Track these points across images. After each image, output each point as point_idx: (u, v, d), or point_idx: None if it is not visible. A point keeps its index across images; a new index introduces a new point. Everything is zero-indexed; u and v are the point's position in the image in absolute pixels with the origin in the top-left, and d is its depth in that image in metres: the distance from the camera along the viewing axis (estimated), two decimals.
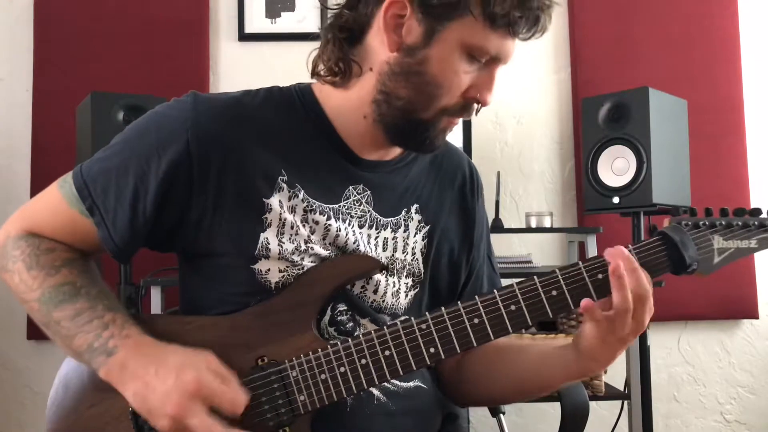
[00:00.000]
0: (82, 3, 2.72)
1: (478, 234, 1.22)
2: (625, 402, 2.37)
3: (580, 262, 0.96)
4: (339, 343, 0.97)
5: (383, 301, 1.09)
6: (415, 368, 0.96)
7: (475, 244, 1.21)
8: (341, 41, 1.05)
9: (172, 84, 2.65)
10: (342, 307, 1.06)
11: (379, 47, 1.02)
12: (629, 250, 0.95)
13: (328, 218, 1.05)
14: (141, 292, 2.28)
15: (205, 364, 0.93)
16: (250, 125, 1.03)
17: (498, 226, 2.49)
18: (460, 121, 1.11)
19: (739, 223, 0.99)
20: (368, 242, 1.08)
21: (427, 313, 0.97)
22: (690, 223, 0.98)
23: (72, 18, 2.72)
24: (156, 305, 2.20)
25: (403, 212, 1.12)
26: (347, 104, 1.07)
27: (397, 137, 1.07)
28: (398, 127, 1.04)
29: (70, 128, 2.47)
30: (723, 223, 0.99)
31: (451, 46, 0.98)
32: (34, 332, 2.65)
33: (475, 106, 1.04)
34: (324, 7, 1.10)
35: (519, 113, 2.81)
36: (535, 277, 0.96)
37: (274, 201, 1.02)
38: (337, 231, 1.05)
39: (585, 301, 0.93)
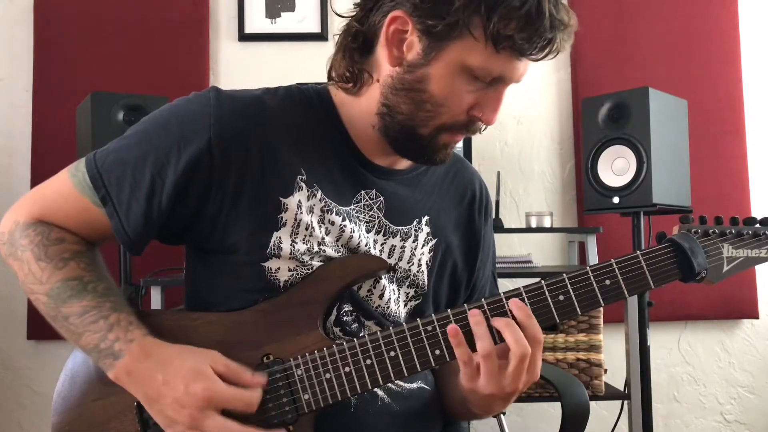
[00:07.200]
0: (82, 3, 2.73)
1: (484, 254, 1.21)
2: (625, 402, 2.37)
3: (588, 267, 0.96)
4: (345, 342, 0.97)
5: (387, 307, 1.09)
6: (420, 370, 0.96)
7: (480, 265, 1.21)
8: (352, 51, 1.04)
9: (172, 84, 2.65)
10: (347, 307, 1.06)
11: (383, 60, 1.02)
12: (636, 257, 0.95)
13: (344, 219, 1.05)
14: (141, 292, 2.28)
15: (213, 368, 0.93)
16: (272, 124, 1.03)
17: (498, 226, 2.49)
18: None
19: (750, 232, 0.98)
20: (374, 247, 1.08)
21: (432, 315, 0.96)
22: (699, 230, 0.98)
23: (72, 18, 2.72)
24: (156, 305, 2.20)
25: (415, 222, 1.12)
26: (358, 112, 1.07)
27: (399, 149, 1.07)
28: (399, 140, 1.04)
29: (70, 128, 2.47)
30: (733, 231, 0.98)
31: (451, 65, 0.97)
32: (34, 332, 2.65)
33: (480, 124, 1.02)
34: (339, 16, 1.08)
35: (519, 113, 2.81)
36: (541, 280, 0.95)
37: (292, 201, 1.02)
38: (351, 233, 1.05)
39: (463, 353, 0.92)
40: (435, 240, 1.14)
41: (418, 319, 0.96)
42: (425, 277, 1.13)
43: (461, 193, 1.20)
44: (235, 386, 0.93)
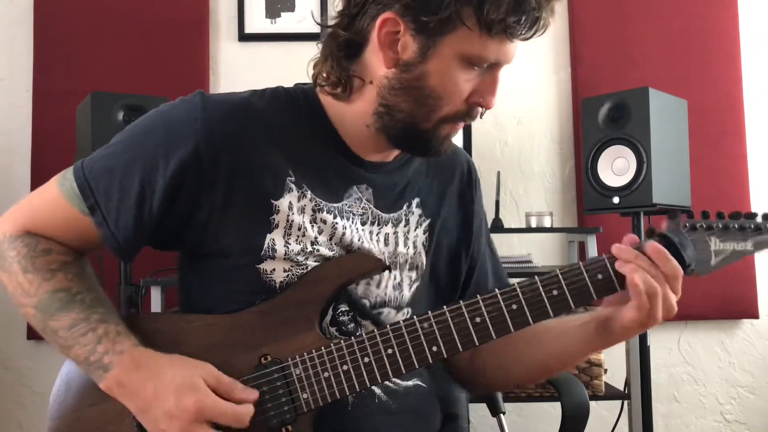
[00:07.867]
0: (82, 3, 2.73)
1: (477, 226, 1.23)
2: (625, 402, 2.38)
3: (581, 263, 0.97)
4: (342, 341, 0.97)
5: (386, 294, 1.09)
6: (417, 366, 0.97)
7: (475, 236, 1.22)
8: (339, 58, 1.04)
9: (172, 84, 2.65)
10: (344, 307, 1.06)
11: (377, 62, 1.02)
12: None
13: (335, 217, 1.05)
14: (141, 292, 2.28)
15: (204, 381, 0.93)
16: (259, 126, 1.03)
17: (498, 226, 2.50)
18: None
19: (736, 225, 1.00)
20: (370, 238, 1.09)
21: (429, 312, 0.97)
22: (687, 225, 1.00)
23: (72, 18, 2.72)
24: (156, 305, 2.20)
25: (404, 207, 1.13)
26: (349, 113, 1.07)
27: (400, 145, 1.08)
28: (400, 137, 1.05)
29: (70, 128, 2.47)
30: (720, 225, 1.00)
31: (448, 58, 0.98)
32: (34, 332, 2.61)
33: (479, 110, 1.04)
34: (321, 26, 1.09)
35: (519, 113, 2.81)
36: (536, 276, 0.97)
37: (283, 202, 1.02)
38: (343, 230, 1.05)
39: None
40: (429, 220, 1.15)
41: (414, 316, 0.97)
42: (423, 258, 1.14)
43: (450, 171, 1.21)
44: (227, 400, 0.93)
